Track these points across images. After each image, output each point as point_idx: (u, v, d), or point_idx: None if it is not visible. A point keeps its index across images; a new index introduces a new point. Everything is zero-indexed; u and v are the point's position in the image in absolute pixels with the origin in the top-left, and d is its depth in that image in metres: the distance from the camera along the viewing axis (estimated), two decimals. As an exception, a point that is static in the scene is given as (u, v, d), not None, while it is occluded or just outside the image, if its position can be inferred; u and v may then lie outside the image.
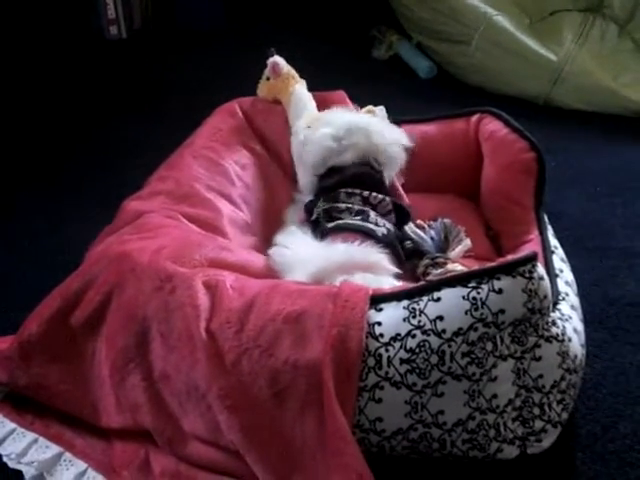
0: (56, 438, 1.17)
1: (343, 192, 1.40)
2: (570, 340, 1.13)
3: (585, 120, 2.37)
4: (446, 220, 1.37)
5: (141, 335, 1.13)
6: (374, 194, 1.41)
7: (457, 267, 1.28)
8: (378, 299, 1.08)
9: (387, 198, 1.41)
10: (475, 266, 1.16)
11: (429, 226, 1.40)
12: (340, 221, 1.34)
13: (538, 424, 1.08)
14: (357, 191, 1.40)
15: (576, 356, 1.14)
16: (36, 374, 1.20)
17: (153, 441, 1.13)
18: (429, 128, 1.68)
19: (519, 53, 2.41)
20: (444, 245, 1.35)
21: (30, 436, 1.17)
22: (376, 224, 1.33)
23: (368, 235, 1.28)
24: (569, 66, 2.36)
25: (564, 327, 1.13)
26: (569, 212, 1.88)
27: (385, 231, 1.33)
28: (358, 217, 1.34)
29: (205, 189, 1.45)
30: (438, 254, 1.33)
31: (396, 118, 1.68)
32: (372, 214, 1.36)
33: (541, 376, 1.08)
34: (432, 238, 1.37)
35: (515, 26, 2.45)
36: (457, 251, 1.34)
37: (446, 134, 1.66)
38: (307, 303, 1.08)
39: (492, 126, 1.59)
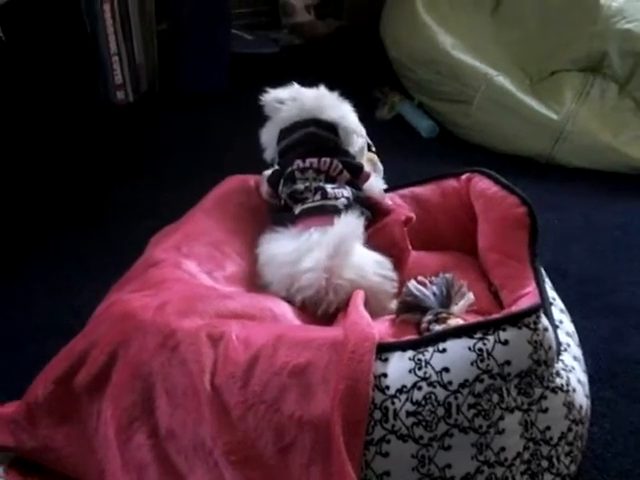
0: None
1: (297, 170, 1.50)
2: (575, 391, 1.12)
3: (587, 178, 2.39)
4: (448, 275, 1.38)
5: (146, 393, 1.13)
6: (323, 159, 1.51)
7: (460, 322, 1.28)
8: (383, 349, 1.08)
9: (334, 160, 1.51)
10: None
11: (431, 282, 1.41)
12: (305, 206, 1.45)
13: (547, 477, 1.07)
14: (307, 164, 1.51)
15: (581, 407, 1.13)
16: (43, 437, 1.20)
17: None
18: (423, 190, 1.70)
19: (520, 112, 2.45)
20: (446, 300, 1.35)
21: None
22: (335, 197, 1.45)
23: (332, 212, 1.40)
24: (570, 125, 2.39)
25: (568, 378, 1.12)
26: (573, 269, 1.88)
27: (345, 200, 1.45)
28: (318, 197, 1.45)
29: (214, 242, 1.47)
30: (441, 309, 1.33)
31: (391, 185, 1.72)
32: (329, 188, 1.47)
33: (548, 428, 1.08)
34: (434, 294, 1.36)
35: (516, 86, 2.49)
36: (460, 306, 1.33)
37: (439, 194, 1.67)
38: (312, 355, 1.08)
39: (482, 184, 1.60)
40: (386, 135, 2.70)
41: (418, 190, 1.70)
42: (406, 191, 1.69)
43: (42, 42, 2.51)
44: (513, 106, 2.45)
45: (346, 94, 2.92)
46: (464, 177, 1.65)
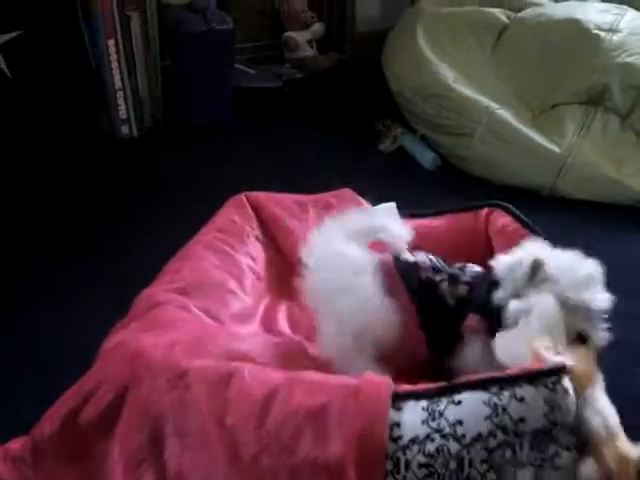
0: None
1: None
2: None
3: (589, 210, 2.39)
4: None
5: (155, 433, 1.13)
6: None
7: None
8: (397, 397, 1.07)
9: None
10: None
11: None
12: None
13: (557, 533, 1.06)
14: None
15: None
16: (48, 474, 1.19)
17: None
18: (437, 222, 1.69)
19: (522, 145, 2.46)
20: None
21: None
22: None
23: None
24: (572, 158, 2.40)
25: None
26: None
27: None
28: None
29: (218, 280, 1.46)
30: None
31: (405, 212, 1.69)
32: None
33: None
34: None
35: (517, 119, 2.51)
36: None
37: (454, 228, 1.67)
38: (328, 398, 1.07)
39: (502, 221, 1.59)
40: (389, 167, 2.73)
41: (434, 222, 1.70)
42: (420, 222, 1.66)
43: (47, 77, 2.54)
44: (515, 139, 2.47)
45: (349, 126, 2.98)
46: (483, 212, 1.64)
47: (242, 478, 1.04)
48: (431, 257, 1.40)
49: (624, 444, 1.13)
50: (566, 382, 1.05)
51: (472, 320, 1.30)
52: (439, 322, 1.33)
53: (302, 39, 3.42)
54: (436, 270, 1.37)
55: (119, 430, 1.16)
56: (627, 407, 1.48)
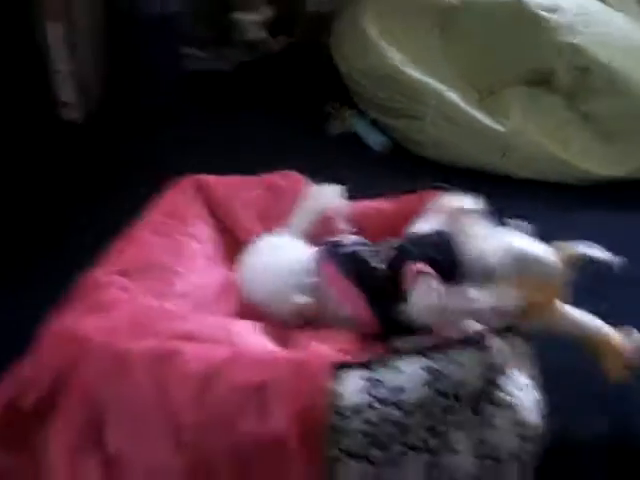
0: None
1: None
2: (526, 409, 1.13)
3: (535, 188, 2.42)
4: None
5: (96, 417, 1.11)
6: None
7: None
8: (339, 368, 1.08)
9: None
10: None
11: None
12: None
13: (499, 494, 1.08)
14: None
15: (533, 425, 1.14)
16: (-8, 463, 1.17)
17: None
18: (385, 205, 1.70)
19: (470, 127, 2.49)
20: None
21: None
22: None
23: None
24: (518, 138, 2.44)
25: (520, 396, 1.13)
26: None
27: None
28: None
29: (161, 263, 1.45)
30: None
31: (351, 194, 1.70)
32: None
33: (498, 446, 1.08)
34: None
35: (466, 101, 2.53)
36: None
37: (401, 210, 1.68)
38: (270, 373, 1.08)
39: (444, 201, 1.60)
40: (338, 150, 2.72)
41: (381, 205, 1.70)
42: (368, 204, 1.68)
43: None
44: (463, 120, 2.50)
45: (298, 109, 2.97)
46: (427, 194, 1.65)
47: (183, 459, 1.04)
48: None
49: (616, 339, 1.33)
50: (499, 342, 1.07)
51: (416, 266, 1.28)
52: (378, 291, 1.33)
53: (251, 21, 3.39)
54: (363, 245, 1.42)
55: (60, 416, 1.14)
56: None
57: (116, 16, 2.84)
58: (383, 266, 1.34)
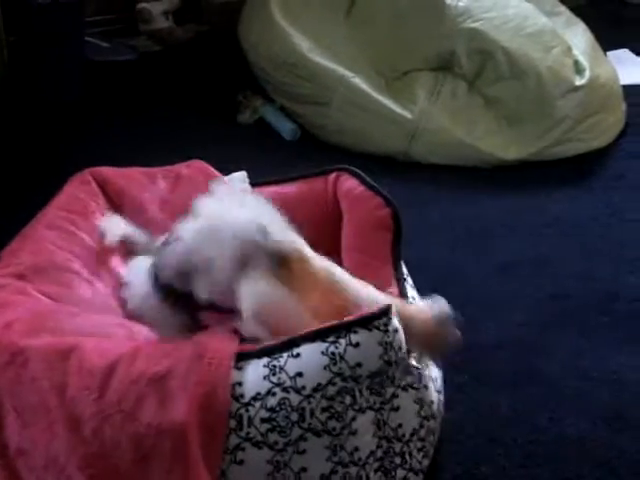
0: None
1: None
2: (426, 388, 1.16)
3: (442, 173, 2.46)
4: None
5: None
6: None
7: None
8: (240, 357, 1.09)
9: None
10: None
11: None
12: None
13: (400, 473, 1.10)
14: None
15: (433, 402, 1.17)
16: None
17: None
18: (289, 189, 1.70)
19: (376, 112, 2.50)
20: None
21: None
22: None
23: None
24: (424, 123, 2.46)
25: (420, 375, 1.16)
26: (432, 261, 1.95)
27: None
28: None
29: (60, 262, 1.41)
30: None
31: (256, 181, 1.70)
32: None
33: (400, 425, 1.11)
34: None
35: (371, 87, 2.54)
36: None
37: (306, 193, 1.69)
38: (171, 363, 1.08)
39: (349, 184, 1.62)
40: (249, 139, 2.71)
41: (285, 188, 1.71)
42: (272, 189, 1.68)
43: None
44: (369, 106, 2.51)
45: (207, 99, 2.94)
46: (332, 176, 1.67)
47: (84, 450, 1.04)
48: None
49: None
50: (394, 321, 1.09)
51: None
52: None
53: (157, 10, 3.35)
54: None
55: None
56: (474, 356, 1.56)
57: (14, 6, 2.77)
58: None
